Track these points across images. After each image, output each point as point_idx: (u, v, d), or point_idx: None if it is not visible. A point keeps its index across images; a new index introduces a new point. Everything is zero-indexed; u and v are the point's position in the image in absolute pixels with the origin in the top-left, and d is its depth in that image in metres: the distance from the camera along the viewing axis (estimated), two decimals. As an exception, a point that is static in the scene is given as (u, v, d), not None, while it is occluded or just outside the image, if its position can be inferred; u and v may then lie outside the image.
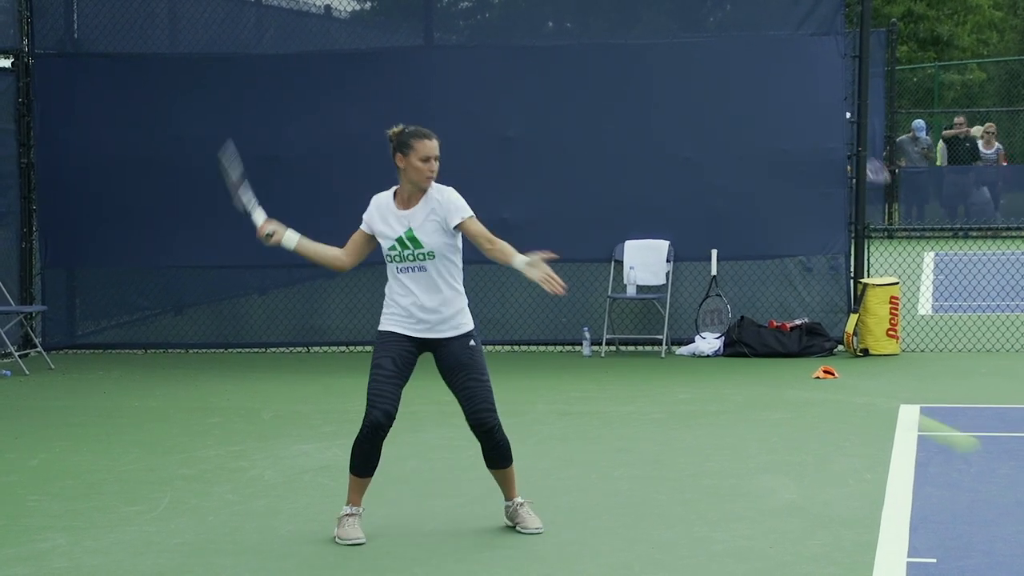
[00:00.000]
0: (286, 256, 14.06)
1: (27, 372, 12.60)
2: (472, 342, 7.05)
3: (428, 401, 11.04)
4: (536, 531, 7.14)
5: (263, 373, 12.73)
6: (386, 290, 7.18)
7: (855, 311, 12.95)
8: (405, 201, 7.10)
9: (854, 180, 13.22)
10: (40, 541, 7.12)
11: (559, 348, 13.63)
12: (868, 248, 13.36)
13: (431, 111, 13.53)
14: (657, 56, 13.44)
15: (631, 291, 13.37)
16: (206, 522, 7.45)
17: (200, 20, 13.92)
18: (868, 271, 13.40)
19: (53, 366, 12.95)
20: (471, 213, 7.06)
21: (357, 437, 7.07)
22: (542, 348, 13.73)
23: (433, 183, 7.08)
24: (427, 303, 7.00)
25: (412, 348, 7.05)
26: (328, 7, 14.58)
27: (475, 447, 9.14)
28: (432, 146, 7.04)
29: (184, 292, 14.26)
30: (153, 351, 14.07)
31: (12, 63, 13.87)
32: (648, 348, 13.59)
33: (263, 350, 14.01)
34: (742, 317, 13.24)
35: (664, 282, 13.38)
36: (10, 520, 7.56)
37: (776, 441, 9.32)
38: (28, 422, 10.52)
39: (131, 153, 13.86)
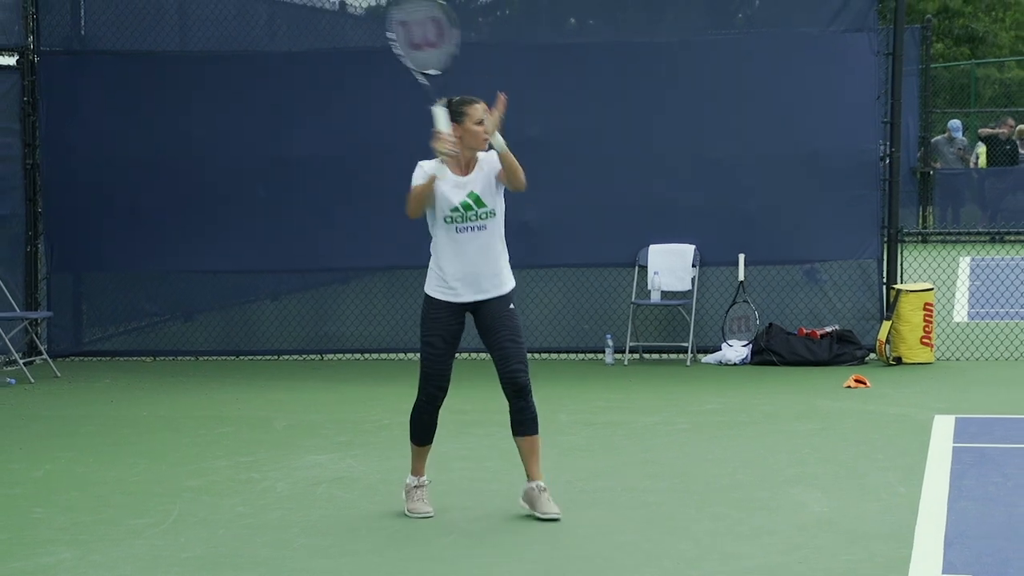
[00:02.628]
0: (298, 261, 14.24)
1: (32, 380, 12.64)
2: (511, 304, 7.68)
3: (444, 411, 11.04)
4: (553, 516, 7.49)
5: (275, 381, 12.76)
6: (433, 252, 7.70)
7: (888, 318, 12.92)
8: (463, 168, 7.65)
9: (887, 182, 13.20)
10: (45, 555, 7.14)
11: (581, 356, 13.63)
12: (901, 253, 13.34)
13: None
14: (684, 54, 13.43)
15: (655, 297, 13.37)
16: (216, 535, 7.47)
17: (210, 17, 13.95)
18: (901, 277, 13.38)
19: (59, 374, 12.99)
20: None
21: (414, 410, 7.79)
22: (563, 356, 13.73)
23: None
24: (479, 264, 7.60)
25: (460, 317, 7.68)
26: (342, 3, 14.61)
27: (495, 458, 9.19)
28: (481, 109, 7.64)
29: (194, 298, 14.30)
30: (162, 358, 14.11)
31: (17, 61, 13.90)
32: (673, 356, 13.59)
33: (275, 357, 14.04)
34: (771, 324, 13.22)
35: (690, 288, 13.37)
36: (15, 533, 7.59)
37: (806, 453, 9.31)
38: (33, 432, 10.56)
39: (139, 154, 13.90)
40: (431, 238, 7.74)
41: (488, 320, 7.64)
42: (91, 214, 13.99)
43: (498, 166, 7.59)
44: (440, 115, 7.64)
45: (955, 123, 26.86)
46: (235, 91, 13.86)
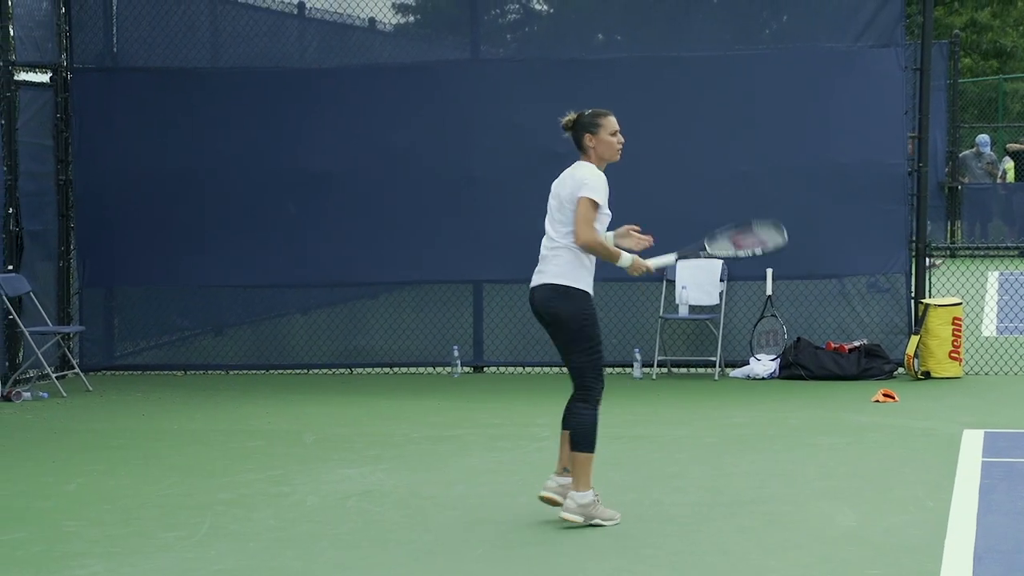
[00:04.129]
0: (328, 275, 14.28)
1: (64, 394, 12.70)
2: None
3: (474, 425, 11.08)
4: (574, 516, 7.65)
5: (305, 395, 12.78)
6: (581, 255, 7.75)
7: (916, 332, 12.88)
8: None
9: (915, 197, 13.16)
10: (77, 568, 7.17)
11: (609, 370, 13.59)
12: (930, 267, 13.28)
13: (478, 125, 13.61)
14: (711, 68, 13.42)
15: (683, 311, 13.35)
16: (247, 548, 7.48)
17: (242, 33, 14.01)
18: (930, 291, 13.33)
19: (91, 388, 13.04)
20: (592, 197, 7.83)
21: (594, 415, 7.72)
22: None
23: None
24: None
25: None
26: (372, 20, 14.65)
27: (524, 471, 9.18)
28: (615, 121, 7.88)
29: (224, 312, 14.34)
30: (193, 372, 14.15)
31: (51, 78, 13.99)
32: (701, 370, 13.56)
33: (305, 371, 14.07)
34: (799, 338, 13.19)
35: (718, 302, 13.35)
36: (48, 546, 7.62)
37: (834, 467, 9.28)
38: (65, 445, 10.60)
39: (171, 169, 13.96)
40: (564, 246, 7.81)
41: None
42: (123, 229, 14.04)
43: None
44: (665, 261, 8.16)
45: (983, 138, 26.78)
46: (266, 107, 13.91)
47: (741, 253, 8.35)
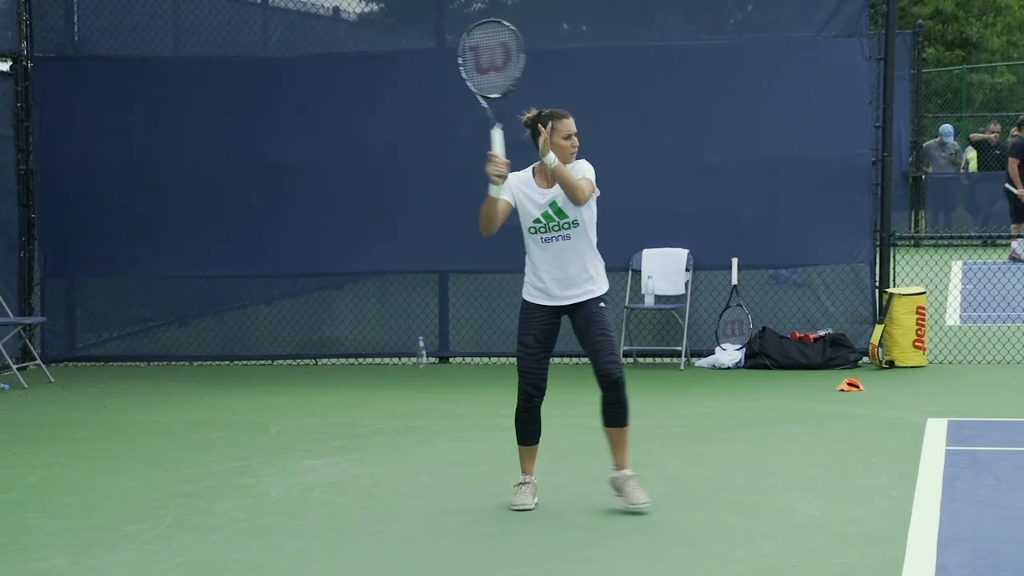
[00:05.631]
0: (292, 265, 14.23)
1: (26, 385, 12.62)
2: (603, 303, 7.94)
3: (439, 416, 11.07)
4: (643, 505, 7.75)
5: (269, 386, 12.74)
6: (528, 261, 7.90)
7: (880, 322, 12.93)
8: (548, 179, 7.81)
9: (879, 186, 13.20)
10: (38, 560, 7.12)
11: (574, 360, 13.61)
12: (894, 257, 13.34)
13: (443, 116, 13.56)
14: (676, 58, 13.43)
15: (649, 301, 13.36)
16: (210, 540, 7.45)
17: (204, 22, 13.94)
18: (894, 280, 13.38)
19: (52, 379, 12.97)
20: (589, 176, 7.83)
21: (516, 410, 8.00)
22: (556, 360, 13.60)
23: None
24: (571, 271, 7.84)
25: (554, 319, 7.91)
26: (336, 9, 14.59)
27: (490, 462, 9.18)
28: (571, 124, 7.85)
29: (188, 303, 14.28)
30: (156, 363, 14.09)
31: (11, 66, 13.89)
32: (667, 360, 13.58)
33: (269, 362, 14.02)
34: (764, 328, 13.22)
35: (683, 292, 13.37)
36: (8, 539, 7.56)
37: (800, 456, 9.31)
38: (26, 437, 10.54)
39: (133, 159, 13.89)
40: (519, 247, 7.95)
41: (581, 321, 7.89)
42: (85, 219, 13.97)
43: (582, 175, 7.76)
44: (496, 138, 7.71)
45: (947, 128, 26.91)
46: (229, 97, 13.85)
47: (516, 72, 8.09)
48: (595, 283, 7.93)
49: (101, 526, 7.77)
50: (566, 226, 7.81)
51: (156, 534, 7.56)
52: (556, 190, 7.79)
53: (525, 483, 7.99)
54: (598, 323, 7.86)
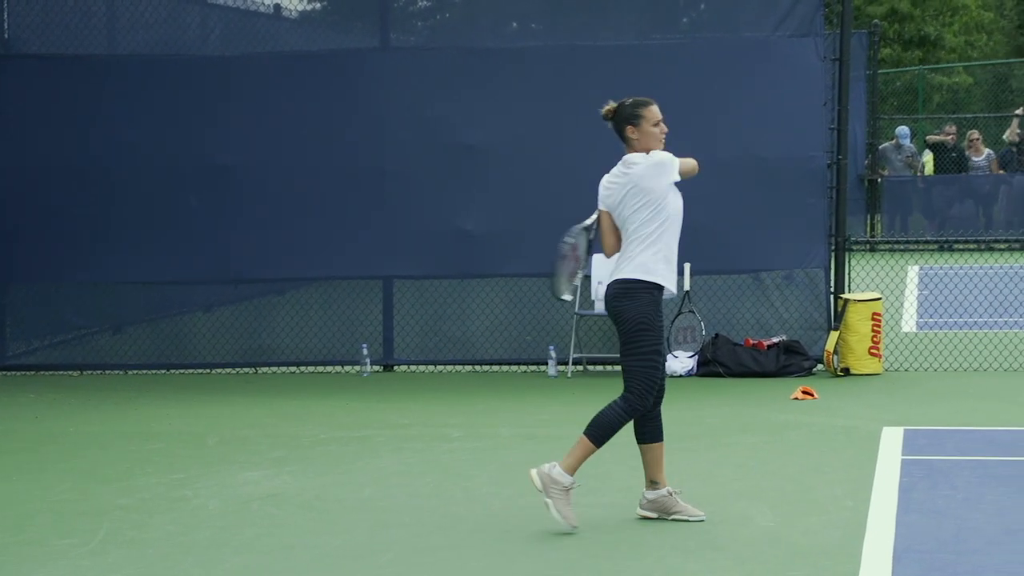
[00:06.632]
0: (231, 271, 14.16)
1: (-46, 395, 12.52)
2: None
3: (383, 426, 11.05)
4: (699, 518, 7.72)
5: (207, 395, 12.68)
6: (652, 255, 7.78)
7: (835, 328, 12.99)
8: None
9: (834, 190, 13.28)
10: (-33, 576, 7.06)
11: (523, 368, 13.62)
12: (849, 262, 13.42)
13: (387, 116, 13.56)
14: (627, 58, 13.46)
15: (599, 307, 13.37)
16: (145, 555, 7.40)
17: (140, 20, 13.87)
18: (849, 286, 13.46)
19: (-18, 389, 12.87)
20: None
21: (628, 414, 7.69)
22: (505, 368, 13.72)
23: None
24: None
25: None
26: (277, 6, 14.56)
27: (435, 472, 9.16)
28: (657, 110, 7.79)
29: (123, 309, 14.19)
30: (89, 372, 13.99)
31: (-62, 65, 13.78)
32: (618, 368, 13.52)
33: (207, 371, 13.96)
34: (716, 335, 13.27)
35: (634, 298, 13.36)
36: (-65, 554, 7.49)
37: (753, 466, 9.34)
38: (-45, 449, 10.44)
39: (66, 161, 13.80)
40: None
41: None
42: (15, 224, 13.86)
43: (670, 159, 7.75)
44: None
45: (903, 130, 27.11)
46: (166, 97, 13.78)
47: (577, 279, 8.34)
48: None
49: (32, 541, 7.71)
50: None
51: (89, 549, 7.51)
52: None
53: (573, 487, 7.65)
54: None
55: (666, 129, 7.81)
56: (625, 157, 7.85)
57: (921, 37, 38.48)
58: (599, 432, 7.70)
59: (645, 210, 7.73)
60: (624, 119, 7.77)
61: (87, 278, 13.93)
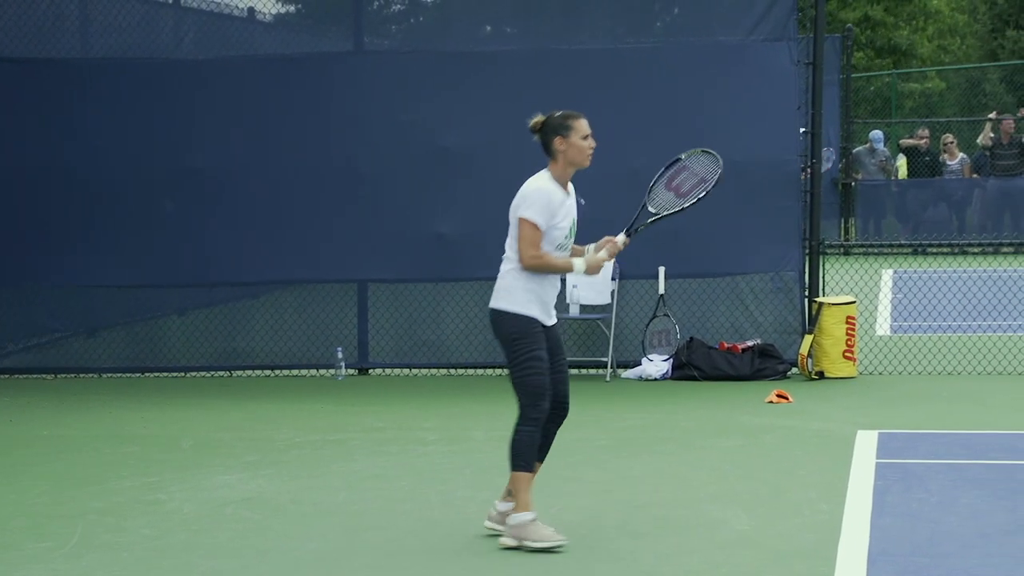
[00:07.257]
0: (206, 274, 14.14)
1: (-73, 399, 12.47)
2: None
3: (358, 429, 11.04)
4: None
5: (182, 399, 12.66)
6: (527, 276, 7.53)
7: (810, 332, 13.03)
8: (564, 186, 7.71)
9: (808, 194, 13.32)
10: (-60, 581, 7.04)
11: (497, 371, 13.62)
12: (823, 265, 13.46)
13: (361, 120, 13.55)
14: (601, 62, 13.48)
15: (574, 311, 13.40)
16: (120, 559, 7.39)
17: (113, 23, 13.83)
18: (823, 290, 13.50)
19: (-45, 393, 12.82)
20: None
21: (527, 433, 7.46)
22: (479, 371, 13.73)
23: None
24: (556, 287, 7.69)
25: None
26: (251, 10, 14.53)
27: (409, 477, 9.16)
28: (587, 124, 7.65)
29: (98, 313, 14.14)
30: (64, 376, 13.95)
31: (-91, 67, 13.72)
32: (592, 371, 13.62)
33: (182, 374, 13.93)
34: (691, 338, 13.30)
35: (609, 301, 13.42)
36: (-92, 558, 7.47)
37: (728, 469, 9.37)
38: (-72, 453, 10.41)
39: (40, 164, 13.74)
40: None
41: (552, 341, 7.61)
42: (-12, 226, 13.81)
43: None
44: (620, 242, 7.90)
45: (877, 134, 27.20)
46: (140, 100, 13.74)
47: (688, 202, 8.12)
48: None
49: (6, 545, 7.68)
50: (572, 239, 7.73)
51: (64, 552, 7.49)
52: (572, 198, 7.72)
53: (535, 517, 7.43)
54: (561, 349, 7.68)
55: (594, 144, 7.68)
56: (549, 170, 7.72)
57: (892, 46, 38.60)
58: (519, 459, 7.45)
59: (513, 229, 7.68)
60: (553, 130, 7.61)
61: (61, 281, 13.88)
